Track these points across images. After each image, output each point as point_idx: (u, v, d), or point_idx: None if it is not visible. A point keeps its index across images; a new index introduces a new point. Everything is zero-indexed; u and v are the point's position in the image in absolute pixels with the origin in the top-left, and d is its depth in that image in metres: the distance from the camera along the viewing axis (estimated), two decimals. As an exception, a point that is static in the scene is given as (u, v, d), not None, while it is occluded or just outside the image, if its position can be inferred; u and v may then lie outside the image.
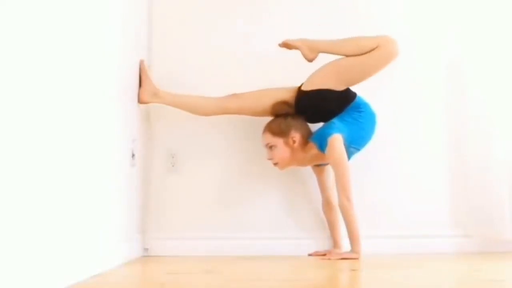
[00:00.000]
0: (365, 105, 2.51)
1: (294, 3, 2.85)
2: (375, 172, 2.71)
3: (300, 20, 2.82)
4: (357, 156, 2.59)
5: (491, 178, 2.58)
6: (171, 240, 2.65)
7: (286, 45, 2.55)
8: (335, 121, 2.46)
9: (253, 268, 2.13)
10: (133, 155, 2.42)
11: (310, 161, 2.56)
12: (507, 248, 2.60)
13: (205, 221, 2.68)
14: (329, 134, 2.41)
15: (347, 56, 2.46)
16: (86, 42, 1.80)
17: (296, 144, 2.47)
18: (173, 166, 2.73)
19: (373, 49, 2.41)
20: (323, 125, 2.52)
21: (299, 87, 2.49)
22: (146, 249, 2.63)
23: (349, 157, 2.47)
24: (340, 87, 2.45)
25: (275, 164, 2.51)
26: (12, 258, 1.27)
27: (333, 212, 2.56)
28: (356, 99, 2.49)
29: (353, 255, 2.35)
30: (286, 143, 2.47)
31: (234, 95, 2.56)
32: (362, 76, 2.47)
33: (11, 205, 1.26)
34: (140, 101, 2.52)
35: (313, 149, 2.49)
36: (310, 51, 2.52)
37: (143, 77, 2.53)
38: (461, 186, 2.71)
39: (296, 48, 2.54)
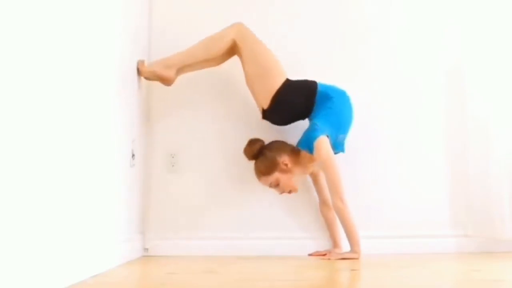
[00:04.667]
0: (331, 89, 2.50)
1: (295, 2, 2.85)
2: (375, 172, 2.72)
3: (300, 20, 2.82)
4: (357, 157, 2.60)
5: (491, 178, 2.58)
6: (171, 240, 2.65)
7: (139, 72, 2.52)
8: (316, 121, 2.44)
9: (253, 268, 2.13)
10: (133, 155, 2.42)
11: (313, 165, 2.54)
12: (507, 248, 2.60)
13: (205, 221, 2.69)
14: (314, 138, 2.40)
15: (203, 59, 2.51)
16: (86, 42, 1.80)
17: (290, 165, 2.46)
18: (173, 166, 2.73)
19: (229, 43, 2.47)
20: (307, 129, 2.49)
21: (263, 109, 2.49)
22: (146, 249, 2.64)
23: (342, 146, 2.50)
24: (281, 77, 2.45)
25: (289, 192, 2.51)
26: (12, 258, 1.27)
27: (331, 213, 2.55)
28: (319, 87, 2.49)
29: (353, 255, 2.35)
30: (283, 171, 2.45)
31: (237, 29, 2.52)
32: (269, 53, 2.49)
33: (11, 205, 1.26)
34: (168, 81, 2.52)
35: (307, 156, 2.47)
36: (167, 68, 2.50)
37: (150, 70, 2.51)
38: (461, 186, 2.71)
39: (151, 74, 2.51)
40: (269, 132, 2.64)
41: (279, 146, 2.50)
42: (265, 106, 2.47)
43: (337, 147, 2.50)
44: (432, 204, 2.70)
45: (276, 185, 2.48)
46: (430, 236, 2.65)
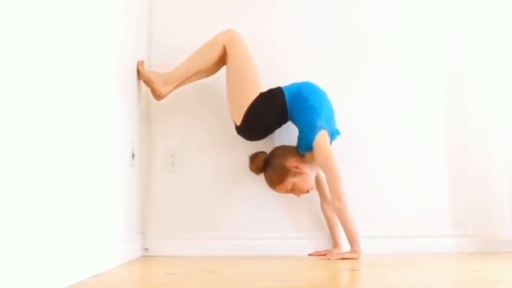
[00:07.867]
0: (296, 86, 2.49)
1: (295, 3, 2.85)
2: (375, 172, 2.71)
3: (300, 20, 2.82)
4: (357, 156, 2.60)
5: (491, 178, 2.58)
6: (171, 240, 2.65)
7: (138, 72, 2.52)
8: (307, 123, 2.43)
9: (253, 268, 2.13)
10: (133, 155, 2.42)
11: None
12: (507, 248, 2.60)
13: (205, 221, 2.68)
14: (313, 137, 2.38)
15: (198, 70, 2.50)
16: (87, 42, 1.80)
17: (300, 166, 2.45)
18: (173, 166, 2.73)
19: (220, 50, 2.45)
20: (301, 133, 2.46)
21: (236, 125, 2.49)
22: (146, 249, 2.64)
23: (336, 130, 2.48)
24: (257, 90, 2.43)
25: (307, 192, 2.50)
26: (12, 258, 1.27)
27: (332, 212, 2.55)
28: (285, 91, 2.46)
29: (353, 255, 2.35)
30: (295, 174, 2.45)
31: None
32: (250, 66, 2.45)
33: (11, 205, 1.26)
34: (159, 97, 2.53)
35: (310, 155, 2.46)
36: (166, 84, 2.50)
37: (149, 76, 2.50)
38: (461, 186, 2.71)
39: (148, 82, 2.51)
40: (269, 132, 2.63)
41: (282, 151, 2.49)
42: (238, 123, 2.47)
43: (334, 133, 2.49)
44: (432, 204, 2.70)
45: (292, 189, 2.48)
46: (430, 236, 2.65)
